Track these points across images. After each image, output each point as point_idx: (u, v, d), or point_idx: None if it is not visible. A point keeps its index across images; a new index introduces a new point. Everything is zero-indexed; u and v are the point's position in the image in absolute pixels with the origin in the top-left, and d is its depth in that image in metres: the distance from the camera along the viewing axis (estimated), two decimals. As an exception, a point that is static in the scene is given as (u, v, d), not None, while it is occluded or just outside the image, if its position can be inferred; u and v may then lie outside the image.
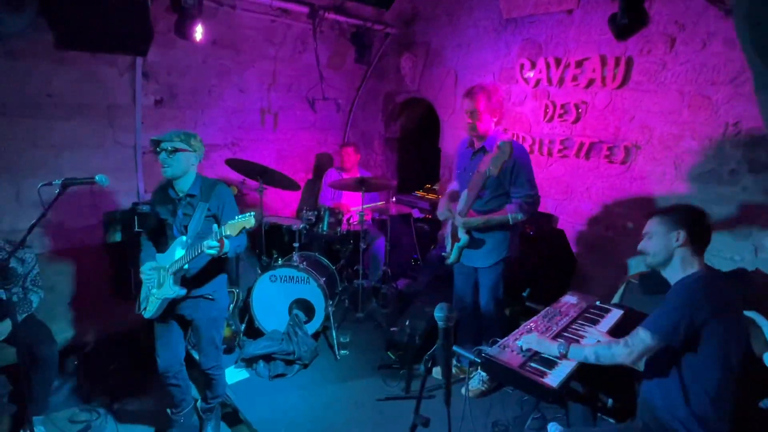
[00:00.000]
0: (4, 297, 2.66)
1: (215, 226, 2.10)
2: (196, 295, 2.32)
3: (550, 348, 1.96)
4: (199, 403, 2.68)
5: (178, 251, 2.22)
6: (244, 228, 2.01)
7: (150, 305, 2.28)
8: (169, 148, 2.17)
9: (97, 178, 2.13)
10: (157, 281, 2.27)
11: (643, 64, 3.00)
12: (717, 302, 1.64)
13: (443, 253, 2.87)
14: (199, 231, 2.22)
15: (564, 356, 1.90)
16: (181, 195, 2.28)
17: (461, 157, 2.83)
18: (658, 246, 1.78)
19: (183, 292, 2.22)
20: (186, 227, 2.26)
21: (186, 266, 2.19)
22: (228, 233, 2.00)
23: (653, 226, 1.82)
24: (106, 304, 3.54)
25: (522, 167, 2.53)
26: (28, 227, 2.16)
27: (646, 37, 2.87)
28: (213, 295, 2.36)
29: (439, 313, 1.36)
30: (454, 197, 2.83)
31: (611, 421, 2.58)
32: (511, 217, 2.55)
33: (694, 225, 1.75)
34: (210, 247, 2.03)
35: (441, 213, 2.90)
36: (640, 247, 1.85)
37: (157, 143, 2.21)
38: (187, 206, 2.28)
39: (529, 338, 2.05)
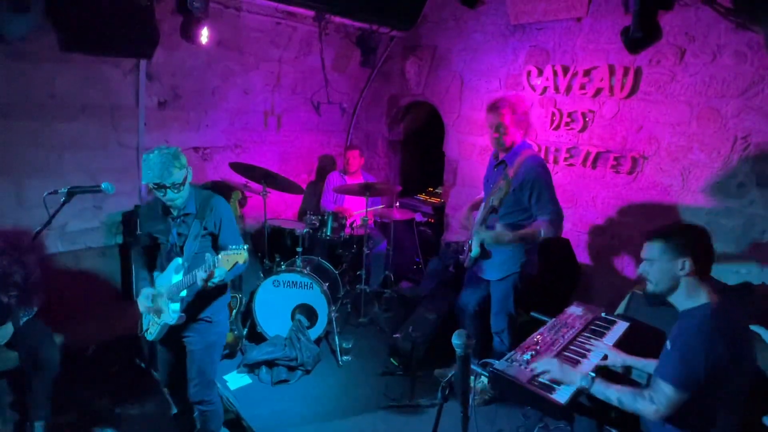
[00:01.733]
0: (5, 301, 2.65)
1: (209, 255, 1.96)
2: (196, 318, 2.19)
3: (574, 378, 1.84)
4: None
5: (174, 276, 2.09)
6: (237, 263, 1.86)
7: (152, 328, 2.19)
8: (169, 184, 1.98)
9: (103, 186, 2.08)
10: (157, 307, 2.15)
11: (652, 74, 2.99)
12: (733, 344, 1.54)
13: (460, 257, 2.86)
14: (196, 251, 2.09)
15: (587, 390, 1.80)
16: (175, 214, 2.11)
17: (488, 168, 2.80)
18: (662, 274, 1.65)
19: (183, 318, 2.09)
20: (182, 248, 2.11)
21: (184, 293, 2.06)
22: (221, 266, 1.85)
23: (655, 253, 1.67)
24: (108, 307, 3.52)
25: (543, 186, 2.45)
26: (34, 233, 2.14)
27: (656, 47, 2.85)
28: (213, 318, 2.22)
29: (456, 340, 1.34)
30: (477, 206, 2.81)
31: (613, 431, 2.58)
32: (543, 233, 2.45)
33: (701, 251, 1.62)
34: (202, 279, 1.91)
35: (461, 222, 2.88)
36: (640, 270, 1.73)
37: (159, 185, 1.99)
38: (181, 225, 2.12)
39: (548, 363, 1.93)
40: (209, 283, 1.93)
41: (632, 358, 2.09)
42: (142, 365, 3.31)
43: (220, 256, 1.85)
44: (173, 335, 2.22)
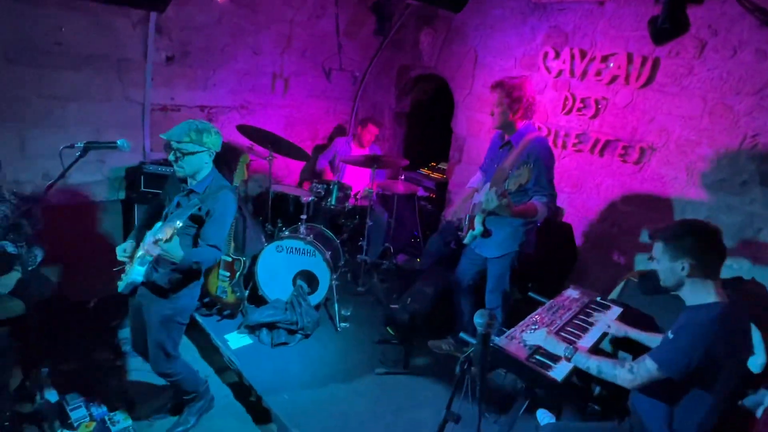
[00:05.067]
0: (12, 251, 2.65)
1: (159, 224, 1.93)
2: (156, 285, 2.13)
3: (557, 348, 1.99)
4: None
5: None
6: (166, 240, 1.81)
7: (123, 280, 2.10)
8: (175, 147, 2.00)
9: (119, 143, 2.06)
10: (131, 262, 2.12)
11: (669, 66, 2.98)
12: (733, 345, 1.60)
13: (459, 233, 2.91)
14: (180, 225, 1.96)
15: (567, 360, 1.94)
16: (186, 188, 2.14)
17: (491, 148, 2.82)
18: (665, 273, 1.70)
19: (139, 280, 2.02)
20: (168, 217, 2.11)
21: (148, 258, 1.96)
22: (160, 237, 1.82)
23: (657, 252, 1.71)
24: (109, 261, 3.53)
25: (546, 168, 2.49)
26: (45, 185, 2.13)
27: (677, 39, 2.83)
28: (171, 293, 2.14)
29: (479, 319, 1.40)
30: (471, 197, 2.86)
31: (597, 407, 2.73)
32: (539, 214, 2.51)
33: (703, 253, 1.63)
34: (151, 243, 1.87)
35: (455, 212, 2.91)
36: (652, 266, 1.77)
37: (169, 144, 2.03)
38: (183, 198, 2.13)
39: (536, 336, 2.09)
40: (161, 252, 1.89)
41: (634, 330, 2.19)
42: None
43: (161, 224, 1.87)
44: (137, 299, 2.19)
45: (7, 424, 2.22)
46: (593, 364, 1.84)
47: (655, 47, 2.96)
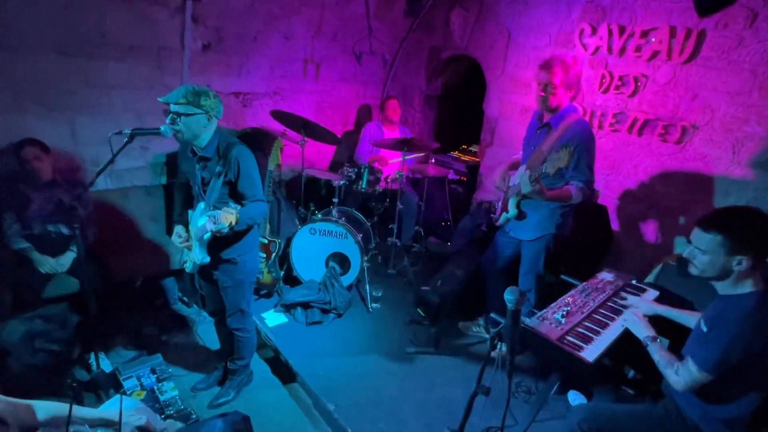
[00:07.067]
0: (67, 232, 2.85)
1: (219, 208, 1.99)
2: (223, 259, 2.29)
3: (643, 331, 1.95)
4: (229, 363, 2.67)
5: (199, 219, 2.13)
6: (231, 222, 1.93)
7: (188, 263, 2.31)
8: (172, 109, 2.02)
9: (162, 129, 2.13)
10: (189, 244, 2.27)
11: (716, 38, 2.82)
12: None
13: (492, 215, 2.90)
14: (218, 197, 2.14)
15: (645, 345, 1.90)
16: (198, 156, 2.17)
17: (529, 129, 2.76)
18: (711, 266, 1.58)
19: (207, 259, 2.20)
20: (204, 192, 2.18)
21: (207, 236, 2.10)
22: (220, 222, 1.92)
23: (710, 245, 1.56)
24: (154, 243, 3.73)
25: (586, 152, 2.43)
26: (96, 171, 2.27)
27: (725, 10, 2.68)
28: (237, 259, 2.31)
29: (509, 295, 1.43)
30: (515, 166, 2.82)
31: (631, 392, 2.70)
32: (574, 198, 2.47)
33: (763, 247, 1.52)
34: (210, 230, 1.98)
35: (496, 182, 2.89)
36: (686, 254, 1.65)
37: (167, 105, 2.04)
38: (204, 170, 2.17)
39: (631, 318, 2.08)
40: (218, 233, 2.01)
41: (666, 308, 2.16)
42: (185, 299, 3.55)
43: (220, 212, 1.92)
44: (207, 271, 2.36)
45: (75, 385, 2.43)
46: (656, 356, 1.82)
47: (700, 19, 2.81)
